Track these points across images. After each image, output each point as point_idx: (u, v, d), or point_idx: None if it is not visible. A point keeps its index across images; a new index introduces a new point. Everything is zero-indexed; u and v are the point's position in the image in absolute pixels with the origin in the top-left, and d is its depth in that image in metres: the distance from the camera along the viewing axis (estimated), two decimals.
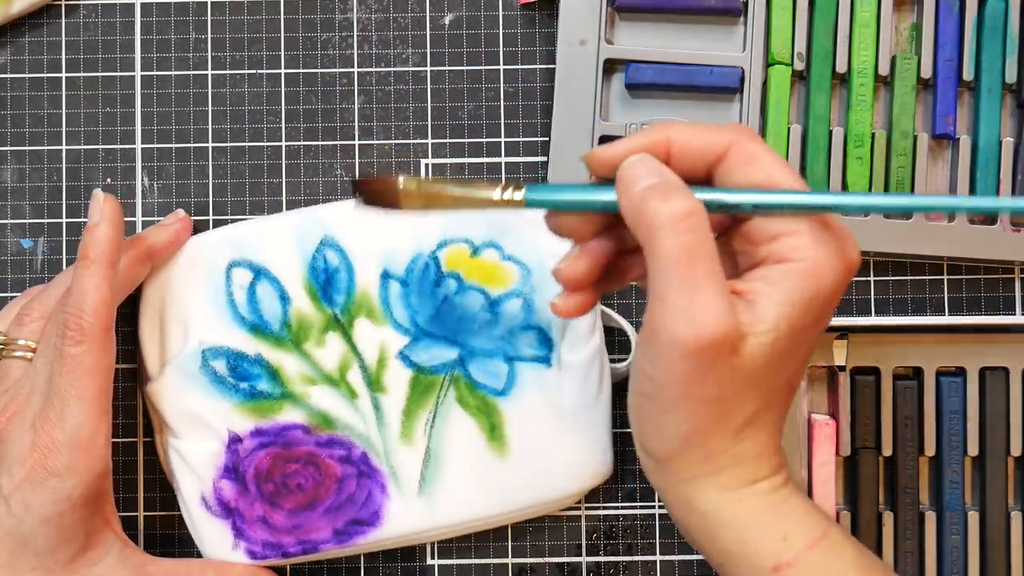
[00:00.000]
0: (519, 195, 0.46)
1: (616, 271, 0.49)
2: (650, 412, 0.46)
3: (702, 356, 0.43)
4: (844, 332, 0.59)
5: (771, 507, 0.46)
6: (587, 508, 0.60)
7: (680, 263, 0.43)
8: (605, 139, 0.59)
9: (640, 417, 0.46)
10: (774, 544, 0.46)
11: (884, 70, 0.59)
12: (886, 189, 0.59)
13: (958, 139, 0.60)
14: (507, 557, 0.60)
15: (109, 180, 0.61)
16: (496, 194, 0.46)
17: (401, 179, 0.47)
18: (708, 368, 0.43)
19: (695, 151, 0.46)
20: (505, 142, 0.61)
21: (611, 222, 0.47)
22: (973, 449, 0.59)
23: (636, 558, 0.60)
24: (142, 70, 0.61)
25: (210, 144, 0.61)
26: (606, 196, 0.46)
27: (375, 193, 0.48)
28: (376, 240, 0.57)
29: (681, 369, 0.43)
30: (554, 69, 0.60)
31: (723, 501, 0.46)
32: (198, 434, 0.56)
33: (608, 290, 0.49)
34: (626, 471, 0.60)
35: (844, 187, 0.59)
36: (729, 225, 0.47)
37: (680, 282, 0.43)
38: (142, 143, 0.61)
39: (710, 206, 0.44)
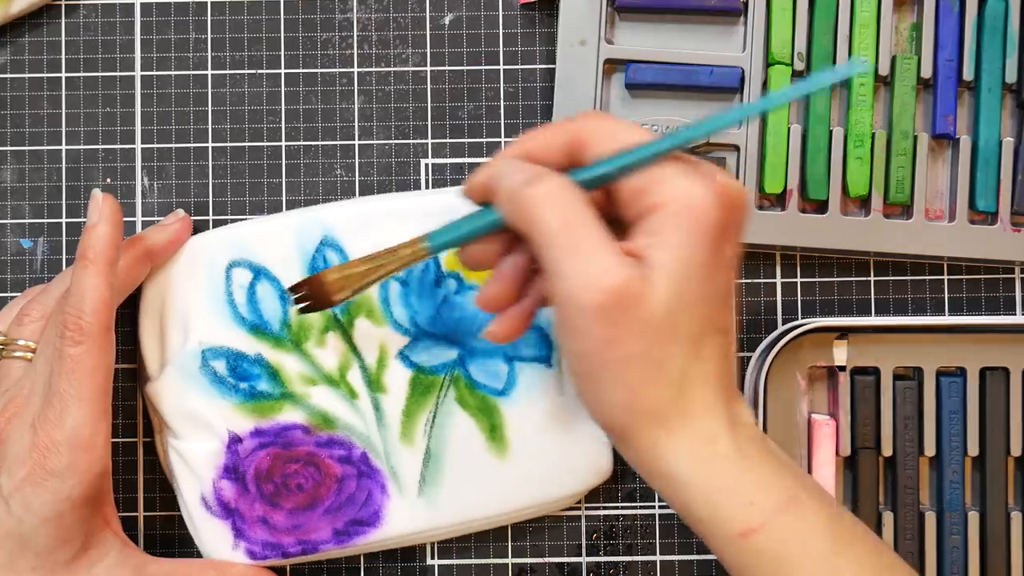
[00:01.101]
0: (424, 245, 0.49)
1: (536, 290, 0.50)
2: (590, 391, 0.46)
3: (609, 313, 0.44)
4: (844, 332, 0.59)
5: (738, 471, 0.46)
6: (587, 508, 0.60)
7: (561, 234, 0.44)
8: None
9: (586, 400, 0.47)
10: (742, 510, 0.45)
11: (884, 70, 0.59)
12: (886, 189, 0.59)
13: (958, 139, 0.60)
14: (507, 557, 0.60)
15: (109, 180, 0.61)
16: (406, 252, 0.50)
17: (326, 275, 0.52)
18: (619, 324, 0.44)
19: (555, 149, 0.47)
20: (505, 142, 0.61)
21: (512, 242, 0.49)
22: (973, 449, 0.59)
23: (636, 558, 0.60)
24: (142, 70, 0.61)
25: (210, 144, 0.61)
26: (491, 215, 0.48)
27: (310, 298, 0.52)
28: (376, 240, 0.57)
29: (596, 334, 0.44)
30: (554, 69, 0.59)
31: (688, 467, 0.46)
32: (198, 434, 0.56)
33: (537, 307, 0.50)
34: (626, 471, 0.60)
35: (845, 188, 0.59)
36: (607, 206, 0.48)
37: (567, 251, 0.44)
38: (142, 143, 0.61)
39: (582, 186, 0.46)
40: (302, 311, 0.53)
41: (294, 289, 0.53)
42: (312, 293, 0.52)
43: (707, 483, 0.46)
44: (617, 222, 0.47)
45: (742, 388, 0.60)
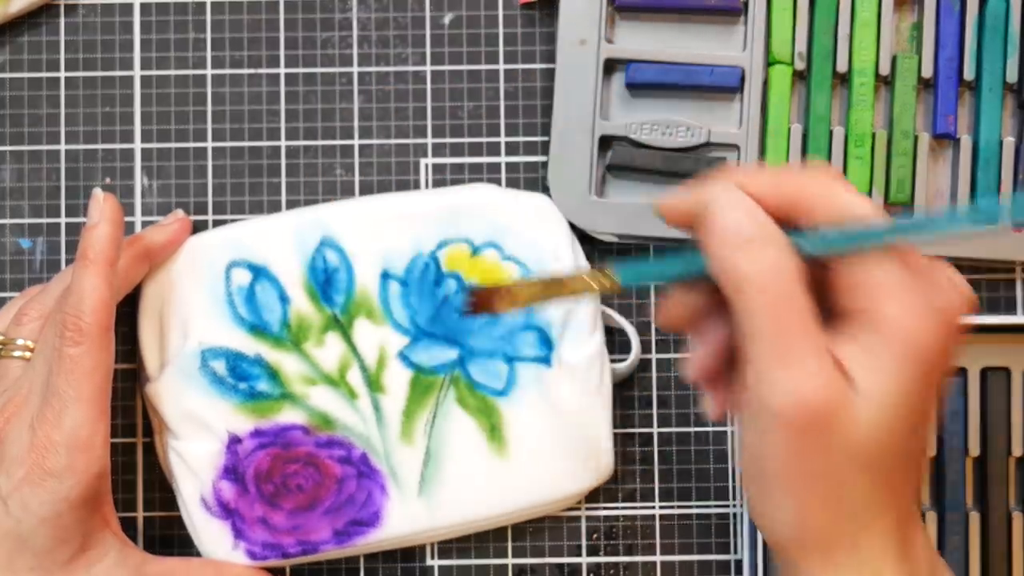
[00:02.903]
0: (614, 278, 0.44)
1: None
2: (758, 495, 0.42)
3: (802, 429, 0.39)
4: None
5: None
6: (587, 508, 0.60)
7: (768, 328, 0.39)
8: (605, 139, 0.59)
9: (751, 502, 0.43)
10: None
11: (885, 69, 0.59)
12: (887, 189, 0.59)
13: (959, 139, 0.60)
14: (507, 557, 0.60)
15: (108, 180, 0.60)
16: (593, 284, 0.44)
17: (503, 289, 0.46)
18: (808, 441, 0.40)
19: (770, 198, 0.41)
20: (505, 142, 0.60)
21: (717, 300, 0.43)
22: (974, 449, 0.59)
23: (636, 559, 0.60)
24: (141, 69, 0.61)
25: (209, 144, 0.61)
26: (698, 261, 0.42)
27: (482, 303, 0.47)
28: (376, 240, 0.57)
29: (779, 442, 0.40)
30: (554, 69, 0.59)
31: None
32: (198, 435, 0.56)
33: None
34: (626, 471, 0.60)
35: None
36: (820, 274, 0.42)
37: (769, 349, 0.39)
38: (141, 143, 0.61)
39: (803, 252, 0.41)
40: (466, 314, 0.48)
41: (471, 293, 0.48)
42: (480, 300, 0.48)
43: None
44: (824, 300, 0.42)
45: None
